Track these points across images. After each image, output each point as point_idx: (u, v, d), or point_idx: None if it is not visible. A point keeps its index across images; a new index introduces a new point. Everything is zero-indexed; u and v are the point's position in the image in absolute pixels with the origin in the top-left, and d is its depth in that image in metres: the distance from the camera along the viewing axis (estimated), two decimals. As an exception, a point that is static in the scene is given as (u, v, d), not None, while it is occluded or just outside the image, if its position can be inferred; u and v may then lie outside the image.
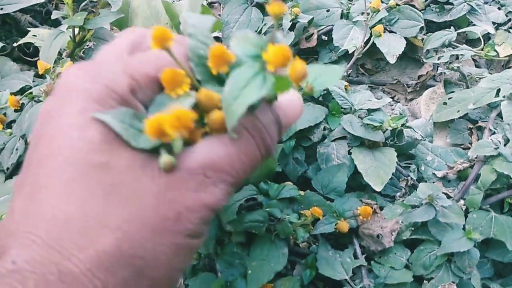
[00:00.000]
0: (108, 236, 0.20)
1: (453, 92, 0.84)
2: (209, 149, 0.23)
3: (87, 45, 0.94)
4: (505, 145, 0.68)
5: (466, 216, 0.66)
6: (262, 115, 0.25)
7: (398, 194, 0.74)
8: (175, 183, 0.22)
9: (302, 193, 0.70)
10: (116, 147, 0.22)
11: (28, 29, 0.98)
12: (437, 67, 0.89)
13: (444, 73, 0.87)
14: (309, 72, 0.26)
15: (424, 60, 0.90)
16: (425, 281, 0.63)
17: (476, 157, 0.70)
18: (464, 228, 0.64)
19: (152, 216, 0.21)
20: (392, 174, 0.76)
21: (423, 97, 0.87)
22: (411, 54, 0.98)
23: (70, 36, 0.86)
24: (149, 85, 0.24)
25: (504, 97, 0.76)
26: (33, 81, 0.88)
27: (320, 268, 0.65)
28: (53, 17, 0.86)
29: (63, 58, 0.89)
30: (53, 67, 0.81)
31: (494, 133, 0.74)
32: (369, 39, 0.83)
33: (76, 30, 0.84)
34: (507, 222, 0.65)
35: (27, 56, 1.03)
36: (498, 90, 0.77)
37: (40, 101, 0.79)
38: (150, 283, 0.21)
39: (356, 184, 0.76)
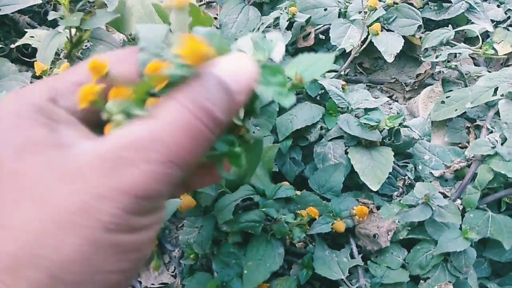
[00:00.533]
0: (10, 237, 0.19)
1: (451, 90, 0.84)
2: (125, 130, 0.21)
3: (85, 46, 0.94)
4: (502, 144, 0.67)
5: (463, 216, 0.66)
6: (197, 81, 0.22)
7: (395, 193, 0.73)
8: (85, 173, 0.20)
9: (298, 193, 0.70)
10: (27, 154, 0.21)
11: (26, 30, 0.98)
12: (435, 65, 0.88)
13: (442, 71, 0.87)
14: (299, 63, 0.26)
15: (422, 59, 0.89)
16: (421, 281, 0.63)
17: (473, 156, 0.69)
18: (460, 228, 0.64)
19: (57, 212, 0.19)
20: (389, 173, 0.76)
21: (421, 96, 0.87)
22: (410, 53, 0.98)
23: (67, 37, 0.86)
24: (74, 90, 0.24)
25: (502, 95, 0.76)
26: (30, 82, 0.88)
27: (316, 268, 0.65)
28: (50, 17, 0.86)
29: (60, 59, 0.89)
30: (51, 68, 0.82)
31: (491, 132, 0.74)
32: (366, 38, 0.83)
33: (73, 30, 0.84)
34: (504, 221, 0.64)
35: (26, 57, 1.03)
36: (496, 89, 0.77)
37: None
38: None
39: (353, 183, 0.76)
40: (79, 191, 0.20)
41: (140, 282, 0.71)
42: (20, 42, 0.92)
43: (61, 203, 0.20)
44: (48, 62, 0.85)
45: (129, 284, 0.24)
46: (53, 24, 1.03)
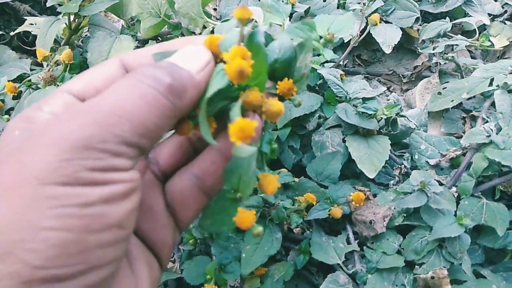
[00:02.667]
0: None
1: (447, 82, 0.85)
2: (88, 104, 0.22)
3: (85, 34, 0.94)
4: (497, 133, 0.69)
5: (458, 203, 0.67)
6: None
7: (392, 182, 0.74)
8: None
9: (296, 180, 0.71)
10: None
11: (26, 18, 0.99)
12: (432, 57, 0.89)
13: (439, 63, 0.88)
14: (321, 21, 0.29)
15: (420, 50, 0.91)
16: (416, 266, 0.64)
17: (468, 145, 0.71)
18: (455, 215, 0.65)
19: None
20: (386, 162, 0.77)
21: (418, 87, 0.88)
22: (407, 45, 0.99)
23: (65, 23, 0.86)
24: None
25: (497, 86, 0.77)
26: (30, 69, 0.89)
27: (313, 253, 0.66)
28: (48, 4, 0.86)
29: (61, 46, 0.90)
30: (51, 54, 0.82)
31: (487, 122, 0.75)
32: (365, 29, 0.83)
33: (72, 17, 0.85)
34: (498, 208, 0.66)
35: (26, 45, 1.04)
36: (492, 80, 0.78)
37: (38, 88, 0.80)
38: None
39: (351, 172, 0.77)
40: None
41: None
42: (19, 29, 0.92)
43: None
44: (47, 48, 0.85)
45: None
46: (54, 13, 1.04)
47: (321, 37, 0.28)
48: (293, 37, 0.29)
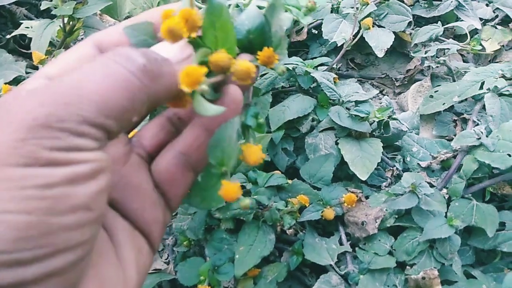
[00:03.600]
0: None
1: (439, 85, 0.86)
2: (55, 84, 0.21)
3: (81, 36, 0.95)
4: (487, 135, 0.70)
5: (448, 205, 0.68)
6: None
7: (384, 184, 0.75)
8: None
9: (290, 182, 0.72)
10: None
11: (23, 21, 0.99)
12: (425, 61, 0.90)
13: (431, 67, 0.89)
14: None
15: (412, 54, 0.92)
16: (408, 267, 0.65)
17: (459, 148, 0.72)
18: (446, 216, 0.66)
19: None
20: (379, 164, 0.78)
21: (410, 91, 0.89)
22: (400, 49, 1.00)
23: (60, 26, 0.87)
24: None
25: (488, 89, 0.78)
26: (26, 72, 0.89)
27: (306, 254, 0.67)
28: (42, 6, 0.87)
29: (56, 49, 0.90)
30: (47, 57, 0.83)
31: (477, 124, 0.76)
32: (358, 33, 0.85)
33: (66, 19, 0.86)
34: (488, 210, 0.67)
35: (22, 48, 1.04)
36: (483, 83, 0.79)
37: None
38: None
39: (344, 174, 0.78)
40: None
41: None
42: (15, 32, 0.93)
43: None
44: (42, 50, 0.86)
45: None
46: (50, 16, 1.04)
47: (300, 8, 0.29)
48: (264, 2, 0.28)
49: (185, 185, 0.27)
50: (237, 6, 0.29)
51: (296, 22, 0.94)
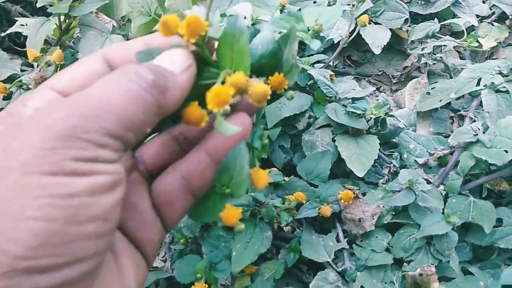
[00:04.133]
0: None
1: (436, 82, 0.86)
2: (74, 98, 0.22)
3: (77, 34, 0.94)
4: (484, 132, 0.70)
5: (445, 201, 0.68)
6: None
7: (381, 181, 0.75)
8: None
9: (287, 179, 0.72)
10: None
11: (17, 19, 0.99)
12: (421, 58, 0.90)
13: (428, 63, 0.89)
14: (308, 13, 0.29)
15: (409, 51, 0.92)
16: (405, 263, 0.65)
17: (456, 144, 0.71)
18: (443, 213, 0.66)
19: None
20: (376, 161, 0.78)
21: (407, 88, 0.89)
22: (397, 46, 1.00)
23: (56, 24, 0.86)
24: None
25: (485, 86, 0.78)
26: (21, 70, 0.89)
27: (303, 251, 0.67)
28: (38, 4, 0.86)
29: (52, 47, 0.90)
30: (42, 55, 0.82)
31: (474, 121, 0.76)
32: (355, 29, 0.84)
33: (62, 17, 0.85)
34: (485, 206, 0.67)
35: (17, 46, 1.03)
36: (480, 80, 0.79)
37: (29, 88, 0.80)
38: None
39: (341, 171, 0.78)
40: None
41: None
42: (10, 30, 0.93)
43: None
44: (37, 48, 0.86)
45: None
46: (46, 13, 1.04)
47: (309, 29, 0.29)
48: (278, 28, 0.29)
49: (184, 209, 0.28)
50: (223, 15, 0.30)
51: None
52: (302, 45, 0.98)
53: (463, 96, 0.88)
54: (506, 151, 0.64)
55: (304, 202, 0.68)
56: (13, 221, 0.18)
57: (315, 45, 0.29)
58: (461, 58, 0.99)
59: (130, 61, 0.26)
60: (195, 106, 0.24)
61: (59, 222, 0.19)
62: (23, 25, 0.93)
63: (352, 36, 0.83)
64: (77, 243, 0.19)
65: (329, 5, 0.91)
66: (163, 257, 0.73)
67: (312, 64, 0.83)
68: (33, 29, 0.88)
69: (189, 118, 0.24)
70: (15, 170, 0.19)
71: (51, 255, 0.18)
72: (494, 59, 0.97)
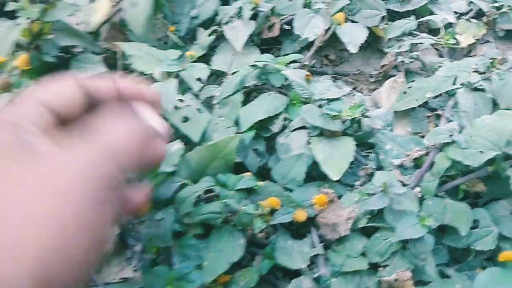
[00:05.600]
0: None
1: (413, 81, 0.85)
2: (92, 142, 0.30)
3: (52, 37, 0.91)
4: (460, 132, 0.68)
5: (421, 203, 0.67)
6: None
7: (357, 183, 0.74)
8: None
9: (261, 184, 0.70)
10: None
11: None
12: (398, 56, 0.89)
13: (405, 62, 0.88)
14: None
15: (386, 50, 0.90)
16: (380, 268, 0.64)
17: (432, 145, 0.70)
18: (419, 215, 0.65)
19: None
20: (353, 163, 0.76)
21: (384, 87, 0.88)
22: (375, 45, 0.98)
23: (27, 29, 0.84)
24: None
25: (462, 85, 0.77)
26: (-13, 75, 0.86)
27: (278, 258, 0.65)
28: (8, 8, 0.84)
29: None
30: (6, 60, 0.80)
31: (451, 121, 0.75)
32: (330, 28, 0.83)
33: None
34: (461, 208, 0.66)
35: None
36: (456, 79, 0.78)
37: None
38: None
39: (318, 174, 0.76)
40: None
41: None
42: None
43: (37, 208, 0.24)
44: (6, 53, 0.83)
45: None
46: (15, 17, 1.00)
47: None
48: None
49: None
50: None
51: (267, 18, 0.91)
52: (278, 44, 0.96)
53: (440, 94, 0.87)
54: (482, 152, 0.63)
55: (278, 208, 0.66)
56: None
57: None
58: (439, 56, 0.97)
59: (107, 93, 0.35)
60: None
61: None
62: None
63: (328, 35, 0.82)
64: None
65: (304, 7, 0.89)
66: (134, 267, 0.71)
67: (287, 64, 0.81)
68: (2, 35, 0.86)
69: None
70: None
71: None
72: (472, 56, 0.96)
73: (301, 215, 0.66)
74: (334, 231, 0.66)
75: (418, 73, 0.90)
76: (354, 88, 0.94)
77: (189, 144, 0.74)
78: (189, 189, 0.68)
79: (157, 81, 0.76)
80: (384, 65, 0.91)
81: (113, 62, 0.97)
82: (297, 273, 0.66)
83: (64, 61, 0.90)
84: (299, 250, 0.66)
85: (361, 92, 0.92)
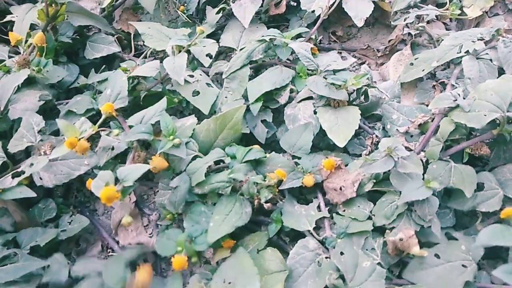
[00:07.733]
0: None
1: (419, 53, 0.85)
2: None
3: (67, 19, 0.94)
4: (464, 97, 0.69)
5: (426, 168, 0.67)
6: None
7: (364, 152, 0.75)
8: None
9: (268, 155, 0.71)
10: None
11: (3, 8, 1.00)
12: (404, 29, 0.89)
13: (412, 35, 0.88)
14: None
15: (392, 23, 0.91)
16: (387, 231, 0.65)
17: (437, 111, 0.71)
18: (424, 178, 0.66)
19: None
20: (360, 134, 0.78)
21: (391, 60, 0.88)
22: (382, 20, 0.99)
23: (42, 10, 0.87)
24: None
25: (466, 52, 0.77)
26: (9, 57, 0.89)
27: (285, 221, 0.67)
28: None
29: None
30: (22, 38, 0.83)
31: (456, 88, 0.76)
32: (336, 1, 0.84)
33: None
34: (466, 171, 0.66)
35: (5, 35, 1.04)
36: (461, 47, 0.78)
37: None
38: None
39: (325, 144, 0.78)
40: None
41: (118, 242, 0.73)
42: (4, 20, 0.94)
43: None
44: (23, 33, 0.86)
45: None
46: (33, 1, 1.04)
47: None
48: None
49: None
50: None
51: (274, -4, 0.93)
52: (285, 21, 0.98)
53: (448, 66, 0.88)
54: (485, 115, 0.64)
55: (284, 179, 0.67)
56: None
57: None
58: (447, 30, 0.97)
59: None
60: None
61: None
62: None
63: (333, 8, 0.83)
64: None
65: None
66: (150, 233, 0.74)
67: (293, 38, 0.83)
68: (20, 16, 0.89)
69: None
70: None
71: None
72: (480, 28, 0.96)
73: (309, 180, 0.68)
74: (340, 195, 0.67)
75: (425, 45, 0.91)
76: (362, 63, 0.95)
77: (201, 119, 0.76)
78: (200, 161, 0.70)
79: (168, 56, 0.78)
80: (391, 39, 0.92)
81: (126, 43, 1.00)
82: (303, 237, 0.67)
83: (79, 42, 0.94)
84: (306, 214, 0.68)
85: (369, 67, 0.93)
